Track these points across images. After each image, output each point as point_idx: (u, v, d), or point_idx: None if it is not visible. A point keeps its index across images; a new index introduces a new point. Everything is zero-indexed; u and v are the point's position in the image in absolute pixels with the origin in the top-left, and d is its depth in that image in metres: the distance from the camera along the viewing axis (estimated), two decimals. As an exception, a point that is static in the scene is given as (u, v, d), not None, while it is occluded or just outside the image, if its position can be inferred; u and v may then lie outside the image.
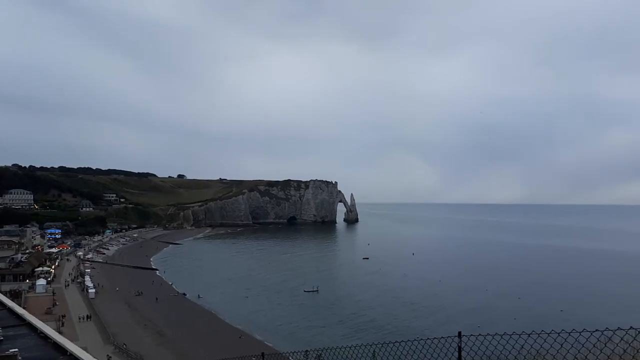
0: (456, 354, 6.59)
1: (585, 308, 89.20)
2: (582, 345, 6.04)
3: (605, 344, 5.96)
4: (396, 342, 7.92)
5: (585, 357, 6.06)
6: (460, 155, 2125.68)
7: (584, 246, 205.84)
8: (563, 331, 6.13)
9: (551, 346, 6.34)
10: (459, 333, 6.54)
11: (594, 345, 6.03)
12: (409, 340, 7.72)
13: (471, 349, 6.72)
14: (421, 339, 7.49)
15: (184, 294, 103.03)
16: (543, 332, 6.30)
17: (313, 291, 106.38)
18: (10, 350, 27.41)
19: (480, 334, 6.61)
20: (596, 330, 5.82)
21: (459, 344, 6.51)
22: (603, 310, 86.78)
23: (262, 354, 10.84)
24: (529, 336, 6.32)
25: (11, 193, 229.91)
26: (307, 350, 10.12)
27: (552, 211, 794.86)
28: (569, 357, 6.26)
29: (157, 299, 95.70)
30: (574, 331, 6.01)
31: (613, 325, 6.18)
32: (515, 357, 6.98)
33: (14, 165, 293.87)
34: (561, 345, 6.25)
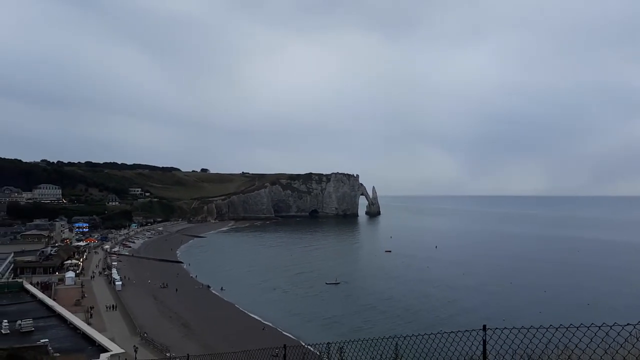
0: (481, 347, 6.46)
1: (613, 301, 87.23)
2: (613, 339, 5.82)
3: (637, 339, 5.73)
4: (419, 334, 7.83)
5: (616, 351, 5.84)
6: (482, 146, 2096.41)
7: (609, 238, 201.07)
8: (593, 325, 5.91)
9: (580, 340, 6.12)
10: (484, 326, 6.40)
11: (625, 340, 5.81)
12: (432, 334, 7.61)
13: (496, 343, 6.57)
14: (444, 332, 7.37)
15: (208, 286, 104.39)
16: (572, 326, 6.08)
17: (335, 283, 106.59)
18: (41, 341, 28.28)
19: (505, 327, 6.44)
20: (628, 324, 5.61)
21: (484, 337, 6.37)
22: (632, 303, 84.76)
23: (284, 346, 10.88)
24: (557, 330, 6.10)
25: (40, 188, 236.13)
26: (328, 343, 10.05)
27: (575, 203, 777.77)
28: (599, 351, 6.05)
29: (177, 290, 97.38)
30: (604, 325, 5.80)
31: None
32: (542, 352, 6.81)
33: (42, 161, 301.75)
34: (591, 339, 6.04)
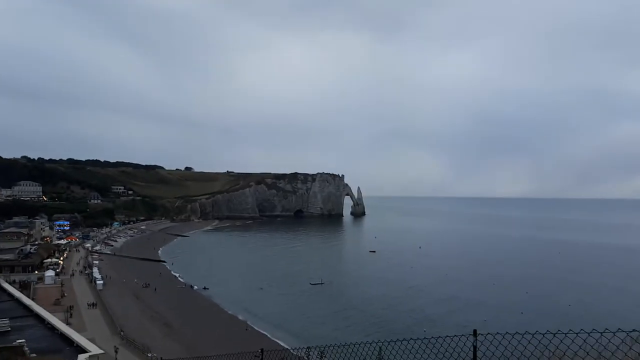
0: (471, 353, 6.29)
1: (594, 304, 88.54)
2: (604, 347, 5.71)
3: (630, 347, 5.62)
4: (404, 340, 7.62)
5: (608, 359, 5.74)
6: (469, 148, 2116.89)
7: (592, 240, 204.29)
8: (582, 331, 5.80)
9: (568, 347, 6.02)
10: (474, 331, 6.24)
11: (617, 347, 5.70)
12: (418, 339, 7.41)
13: (487, 349, 6.41)
14: (432, 337, 7.18)
15: (191, 286, 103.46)
16: (559, 332, 5.96)
17: (319, 284, 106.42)
18: (18, 341, 27.51)
19: (498, 333, 6.29)
20: (619, 329, 5.49)
21: (474, 343, 6.20)
22: (614, 307, 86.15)
23: (262, 350, 10.59)
24: (553, 336, 5.95)
25: (20, 185, 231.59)
26: (309, 347, 9.77)
27: (560, 205, 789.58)
28: (589, 358, 5.93)
29: (155, 289, 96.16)
30: (594, 331, 5.69)
31: (628, 325, 5.84)
32: (530, 357, 6.67)
33: (23, 157, 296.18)
34: (579, 346, 5.93)
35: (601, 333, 5.61)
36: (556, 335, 6.07)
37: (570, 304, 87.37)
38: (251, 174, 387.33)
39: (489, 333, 6.33)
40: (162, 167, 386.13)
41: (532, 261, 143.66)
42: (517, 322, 73.44)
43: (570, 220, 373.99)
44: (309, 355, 9.66)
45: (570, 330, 6.11)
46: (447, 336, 6.91)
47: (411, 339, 7.52)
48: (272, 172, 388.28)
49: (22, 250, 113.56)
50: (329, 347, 9.15)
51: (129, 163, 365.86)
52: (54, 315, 39.03)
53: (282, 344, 63.80)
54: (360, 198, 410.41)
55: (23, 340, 26.95)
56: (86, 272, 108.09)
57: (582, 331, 5.95)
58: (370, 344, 8.53)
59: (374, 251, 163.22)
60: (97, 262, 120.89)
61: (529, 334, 6.40)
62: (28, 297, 51.94)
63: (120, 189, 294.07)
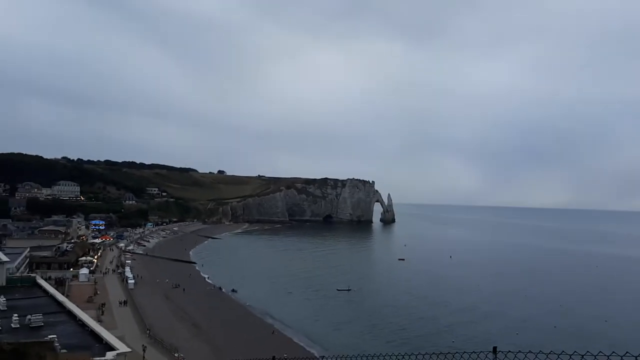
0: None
1: (631, 319, 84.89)
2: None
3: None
4: (419, 354, 7.33)
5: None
6: (504, 157, 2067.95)
7: (628, 254, 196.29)
8: (614, 354, 5.35)
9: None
10: (494, 349, 5.91)
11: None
12: (434, 353, 7.12)
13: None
14: (448, 353, 6.87)
15: (220, 288, 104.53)
16: (588, 354, 5.52)
17: (346, 290, 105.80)
18: (49, 336, 28.24)
19: (520, 351, 5.95)
20: None
21: (494, 360, 5.88)
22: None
23: (273, 357, 10.53)
24: (581, 358, 5.47)
25: (60, 184, 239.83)
26: (323, 357, 9.58)
27: (598, 217, 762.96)
28: None
29: (184, 290, 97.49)
30: (628, 354, 5.24)
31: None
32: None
33: (63, 158, 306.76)
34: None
35: (636, 357, 5.17)
36: (584, 357, 5.61)
37: (607, 319, 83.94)
38: (282, 178, 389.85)
39: (509, 351, 5.99)
40: (195, 170, 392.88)
41: (567, 273, 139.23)
42: (548, 336, 71.14)
43: (607, 232, 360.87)
44: (323, 363, 9.45)
45: (601, 352, 5.68)
46: (464, 352, 6.60)
47: (427, 353, 7.24)
48: (303, 177, 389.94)
49: (59, 248, 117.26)
50: (342, 357, 8.94)
51: (163, 165, 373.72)
52: (86, 313, 39.97)
53: (307, 348, 63.71)
54: (390, 205, 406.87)
55: (54, 336, 27.66)
56: (119, 271, 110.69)
57: (614, 354, 5.51)
58: (388, 356, 8.25)
59: (403, 259, 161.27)
60: (129, 261, 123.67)
61: (554, 354, 5.98)
62: (63, 294, 53.42)
63: (154, 190, 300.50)
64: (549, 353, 6.07)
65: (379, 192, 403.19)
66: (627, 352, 5.49)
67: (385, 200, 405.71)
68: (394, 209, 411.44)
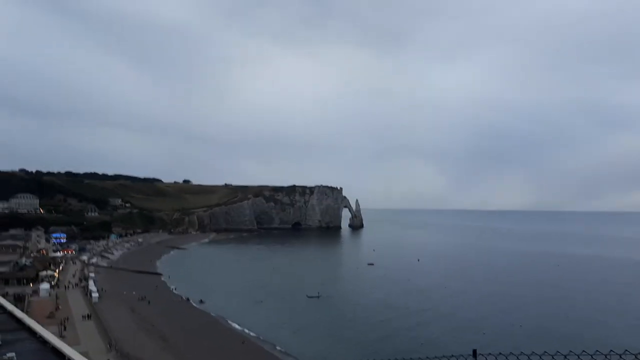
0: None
1: (596, 321, 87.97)
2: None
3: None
4: (403, 359, 7.38)
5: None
6: (468, 161, 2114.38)
7: (589, 253, 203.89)
8: (597, 352, 5.53)
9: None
10: (474, 351, 6.00)
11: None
12: (415, 358, 7.16)
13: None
14: (427, 358, 6.91)
15: (188, 299, 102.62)
16: (558, 354, 5.65)
17: (316, 297, 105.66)
18: (7, 355, 27.11)
19: (501, 353, 6.05)
20: (626, 351, 5.28)
21: (474, 364, 5.97)
22: (618, 324, 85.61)
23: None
24: (551, 358, 5.63)
25: (17, 197, 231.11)
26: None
27: (559, 218, 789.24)
28: None
29: (149, 302, 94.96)
30: (596, 352, 5.43)
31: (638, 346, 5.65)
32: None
33: (20, 170, 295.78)
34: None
35: (605, 355, 5.36)
36: (554, 357, 5.75)
37: (571, 320, 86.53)
38: (249, 186, 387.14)
39: (490, 354, 6.10)
40: (160, 180, 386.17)
41: (529, 273, 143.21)
42: (516, 335, 72.99)
43: (569, 233, 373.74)
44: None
45: (571, 351, 5.84)
46: (443, 356, 6.67)
47: (411, 358, 7.32)
48: (271, 184, 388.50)
49: (17, 263, 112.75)
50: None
51: (126, 176, 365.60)
52: (47, 329, 38.63)
53: (278, 357, 63.22)
54: (358, 210, 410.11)
55: (13, 354, 26.61)
56: (82, 284, 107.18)
57: (584, 353, 5.69)
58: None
59: (372, 264, 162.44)
60: (93, 274, 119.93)
61: (536, 355, 6.10)
62: (22, 310, 51.43)
63: (117, 201, 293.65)
64: (531, 354, 6.17)
65: (347, 198, 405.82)
66: (611, 351, 5.69)
67: (354, 206, 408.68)
68: (363, 215, 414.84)
